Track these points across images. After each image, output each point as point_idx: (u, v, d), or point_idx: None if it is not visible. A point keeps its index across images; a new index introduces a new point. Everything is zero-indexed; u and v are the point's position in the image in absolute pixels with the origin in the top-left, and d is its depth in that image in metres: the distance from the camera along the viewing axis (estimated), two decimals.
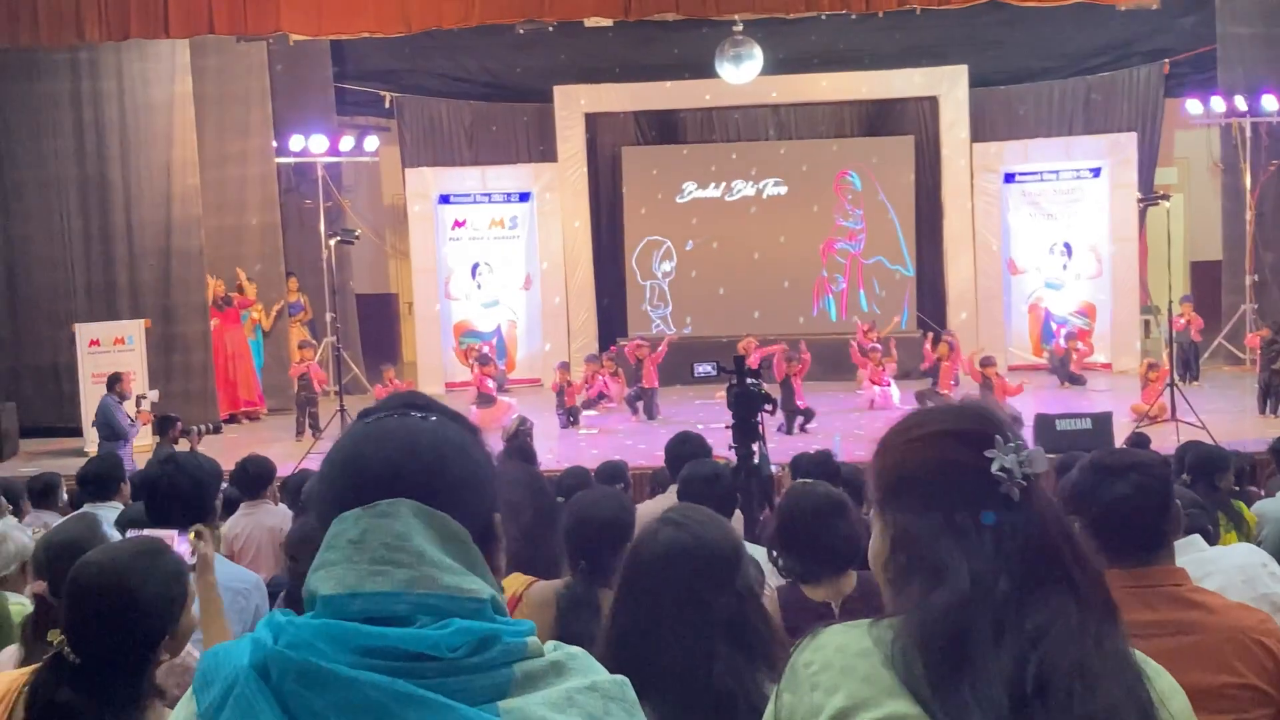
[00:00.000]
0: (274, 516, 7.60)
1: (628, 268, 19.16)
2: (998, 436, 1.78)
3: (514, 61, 18.86)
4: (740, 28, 16.06)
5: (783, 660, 2.44)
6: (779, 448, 11.57)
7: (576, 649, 1.64)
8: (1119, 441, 10.85)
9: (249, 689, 1.51)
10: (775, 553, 4.16)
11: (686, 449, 6.60)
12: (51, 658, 2.74)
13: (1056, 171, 18.34)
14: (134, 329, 15.01)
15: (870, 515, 1.96)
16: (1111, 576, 2.83)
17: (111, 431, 13.13)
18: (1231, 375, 16.67)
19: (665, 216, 19.06)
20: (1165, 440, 11.15)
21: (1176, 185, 18.50)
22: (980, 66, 18.27)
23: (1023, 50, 18.30)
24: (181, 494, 4.25)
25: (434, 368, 18.32)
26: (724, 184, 18.94)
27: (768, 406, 6.88)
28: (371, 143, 18.65)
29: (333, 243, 15.52)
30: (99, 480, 7.02)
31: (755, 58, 16.26)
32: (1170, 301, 14.32)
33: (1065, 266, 18.36)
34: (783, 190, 18.88)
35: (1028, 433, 8.71)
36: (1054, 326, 18.15)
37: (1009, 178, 18.47)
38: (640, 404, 15.76)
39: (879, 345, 16.10)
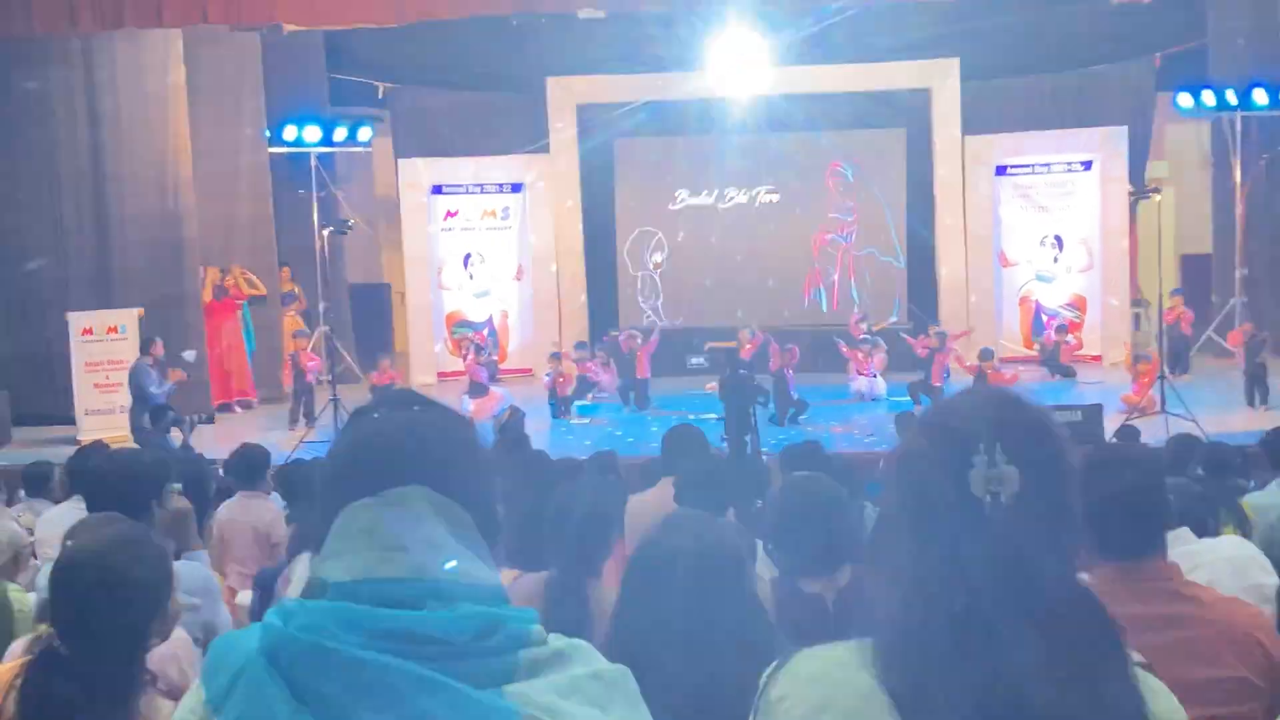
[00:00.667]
0: (267, 511, 7.59)
1: (619, 258, 19.15)
2: (981, 445, 1.65)
3: (506, 52, 18.80)
4: (734, 19, 16.04)
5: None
6: (770, 439, 11.58)
7: (580, 640, 1.66)
8: (1109, 433, 10.87)
9: (258, 673, 1.53)
10: (770, 545, 4.16)
11: (684, 441, 6.60)
12: (42, 650, 2.73)
13: (1048, 164, 18.36)
14: (128, 318, 14.98)
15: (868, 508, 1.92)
16: (1104, 571, 2.86)
17: (141, 393, 13.41)
18: (1220, 368, 16.69)
19: (657, 207, 19.04)
20: (1155, 433, 11.17)
21: (1167, 179, 18.51)
22: (972, 59, 18.25)
23: (1015, 43, 18.28)
24: (114, 490, 4.14)
25: (426, 358, 18.31)
26: (715, 182, 18.89)
27: (760, 398, 6.88)
28: (364, 133, 18.60)
29: (326, 233, 15.51)
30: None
31: (748, 50, 16.24)
32: (1160, 294, 14.34)
33: (1056, 259, 18.39)
34: (773, 188, 18.84)
35: None
36: (1044, 319, 18.17)
37: (1000, 170, 18.48)
38: (632, 394, 15.77)
39: (869, 337, 16.11)
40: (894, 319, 18.31)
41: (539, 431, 14.18)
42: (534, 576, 4.09)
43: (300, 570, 4.67)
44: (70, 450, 8.09)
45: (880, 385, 15.66)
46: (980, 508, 1.62)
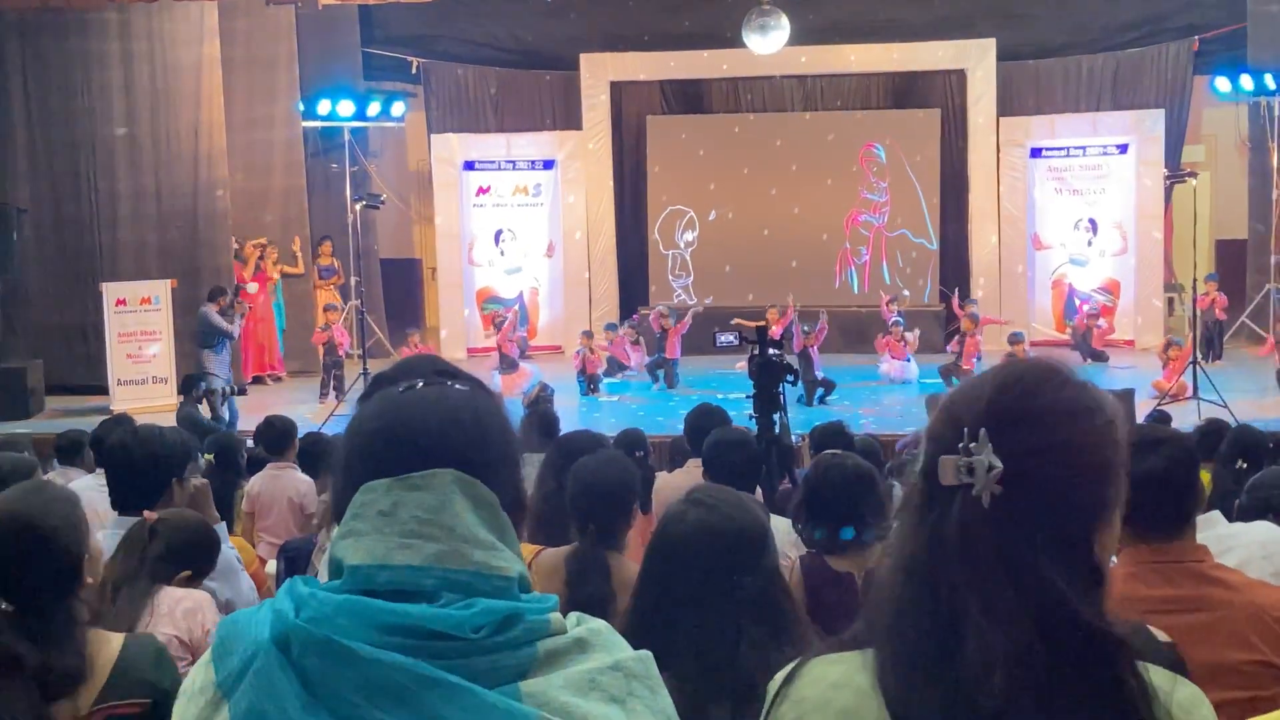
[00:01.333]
0: (298, 483, 7.65)
1: (650, 237, 19.14)
2: (966, 432, 1.54)
3: (541, 28, 18.80)
4: None
5: (807, 640, 2.43)
6: (798, 419, 11.57)
7: (600, 623, 1.62)
8: (1140, 418, 10.81)
9: (270, 663, 1.50)
10: (800, 523, 4.16)
11: (707, 420, 6.59)
12: None
13: (1083, 147, 18.23)
14: (160, 289, 15.07)
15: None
16: (1135, 552, 2.86)
17: (213, 332, 14.11)
18: (1254, 354, 16.58)
19: (689, 186, 19.01)
20: (1187, 418, 11.10)
21: (1203, 163, 18.36)
22: (1009, 40, 18.14)
23: (1052, 24, 18.17)
24: (135, 467, 4.15)
25: (457, 333, 18.36)
26: (748, 160, 18.84)
27: (790, 377, 6.87)
28: (398, 108, 18.65)
29: (358, 207, 15.56)
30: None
31: (782, 28, 16.18)
32: (1195, 280, 14.24)
33: (1090, 243, 18.28)
34: (806, 169, 18.77)
35: None
36: (1077, 303, 18.07)
37: (1035, 153, 18.37)
38: (661, 372, 15.78)
39: (900, 319, 16.06)
40: (925, 300, 18.25)
41: (567, 408, 14.21)
42: (555, 551, 4.10)
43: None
44: (101, 419, 8.15)
45: (912, 368, 15.61)
46: (968, 498, 1.52)
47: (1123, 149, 18.03)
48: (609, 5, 17.65)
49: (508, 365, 15.53)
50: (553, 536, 4.36)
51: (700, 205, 19.00)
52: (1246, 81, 17.29)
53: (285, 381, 16.91)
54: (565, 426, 8.67)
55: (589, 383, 15.55)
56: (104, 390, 14.70)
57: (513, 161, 18.94)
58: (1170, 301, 18.27)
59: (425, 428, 1.62)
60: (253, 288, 16.64)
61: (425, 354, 2.97)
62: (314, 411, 13.87)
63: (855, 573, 3.87)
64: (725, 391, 12.19)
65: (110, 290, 14.91)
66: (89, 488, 6.42)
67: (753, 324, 8.72)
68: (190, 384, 12.76)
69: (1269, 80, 17.10)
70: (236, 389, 13.65)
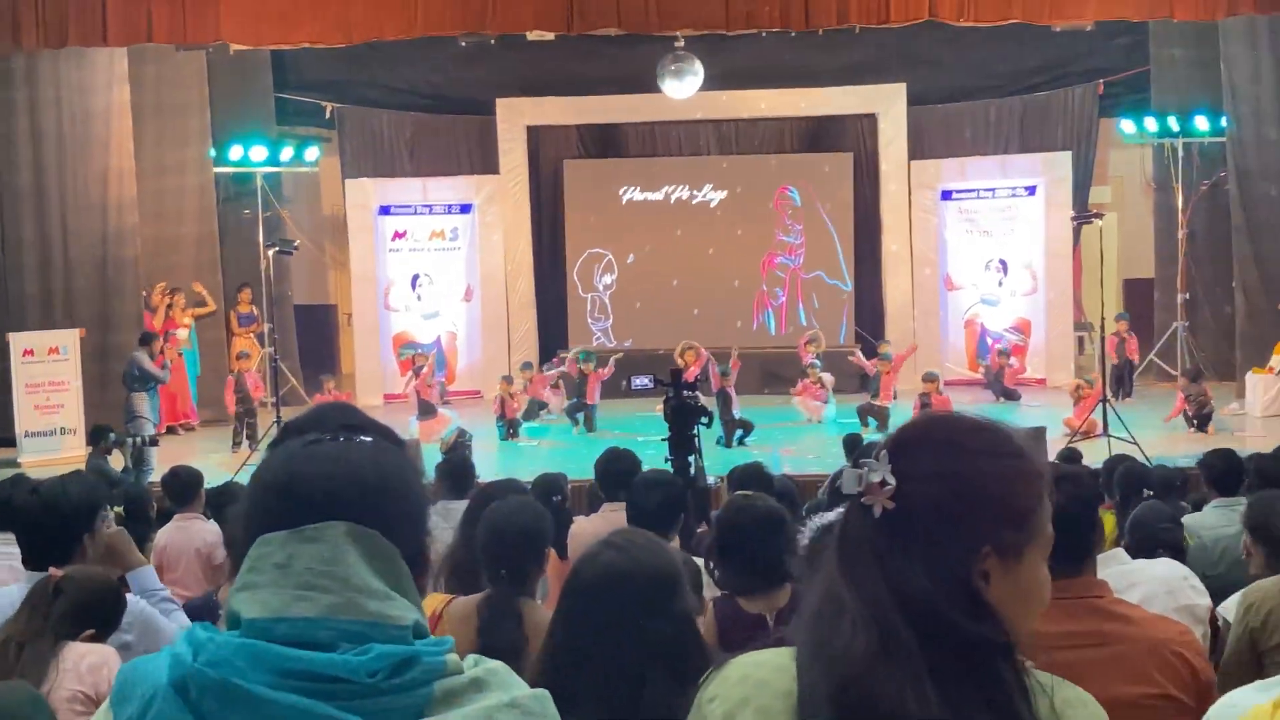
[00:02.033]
0: (205, 533, 7.55)
1: (569, 280, 19.17)
2: (882, 451, 1.71)
3: (456, 73, 18.84)
4: (681, 43, 16.13)
5: None
6: (718, 460, 11.61)
7: (497, 664, 1.64)
8: (1052, 456, 10.97)
9: (168, 706, 1.52)
10: (712, 565, 4.19)
11: (618, 465, 6.61)
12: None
13: (993, 189, 18.55)
14: (68, 338, 14.84)
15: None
16: None
17: (145, 377, 13.78)
18: (1164, 391, 16.89)
19: (607, 229, 19.09)
20: (1097, 455, 11.28)
21: (1110, 204, 18.74)
22: (918, 85, 18.46)
23: (960, 69, 18.50)
24: (41, 528, 4.08)
25: (373, 379, 18.24)
26: (664, 204, 18.98)
27: (704, 419, 6.91)
28: (312, 153, 18.57)
29: (271, 253, 15.43)
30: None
31: (696, 73, 16.34)
32: (1103, 318, 14.52)
33: (1001, 283, 18.56)
34: (721, 211, 18.94)
35: None
36: (989, 342, 18.33)
37: (946, 195, 18.67)
38: (581, 416, 15.78)
39: (817, 362, 16.20)
40: (841, 342, 18.44)
41: (487, 453, 14.18)
42: (467, 599, 4.09)
43: None
44: (9, 473, 8.00)
45: (829, 409, 15.75)
46: (863, 507, 1.67)
47: (1031, 190, 18.37)
48: (524, 51, 17.71)
49: (426, 411, 15.46)
50: (473, 584, 4.36)
51: (618, 248, 19.09)
52: (1151, 124, 17.75)
53: (198, 431, 16.69)
54: (485, 471, 8.66)
55: (508, 427, 15.51)
56: (11, 442, 14.43)
57: (429, 206, 18.91)
58: (1080, 340, 18.59)
59: (323, 484, 1.63)
60: (183, 333, 16.46)
61: (337, 403, 2.97)
62: (227, 461, 13.72)
63: (767, 614, 3.90)
64: (645, 435, 12.20)
65: (17, 340, 14.65)
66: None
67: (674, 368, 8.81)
68: (99, 435, 12.57)
69: (1172, 122, 17.57)
70: (150, 439, 13.45)
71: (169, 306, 16.65)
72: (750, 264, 18.94)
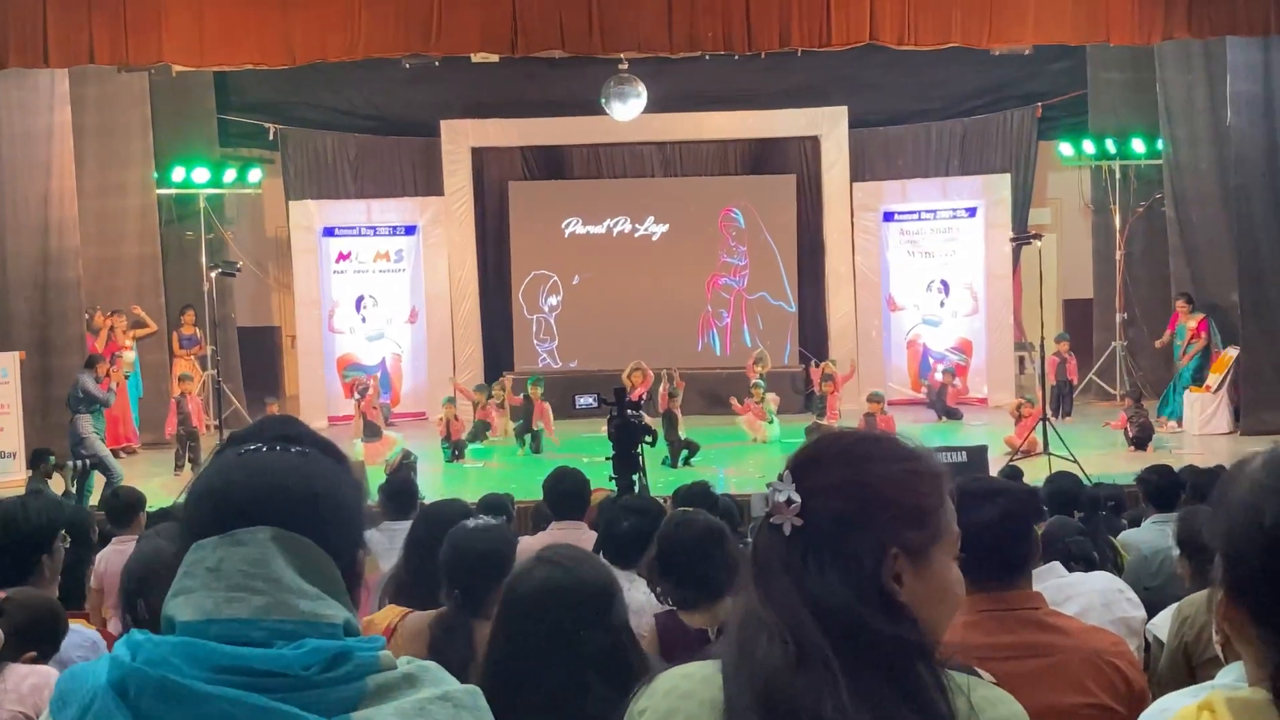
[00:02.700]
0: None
1: (514, 301, 19.17)
2: (785, 472, 1.79)
3: (400, 95, 18.82)
4: (626, 66, 16.21)
5: None
6: (662, 481, 11.64)
7: (429, 662, 1.69)
8: (994, 474, 11.08)
9: (107, 705, 1.55)
10: (654, 579, 4.21)
11: (566, 484, 6.63)
12: None
13: (934, 211, 18.74)
14: (8, 361, 14.66)
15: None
16: (972, 600, 2.95)
17: (89, 399, 13.64)
18: (1103, 410, 17.11)
19: (552, 251, 19.11)
20: (1038, 473, 11.40)
21: (1049, 225, 18.98)
22: (860, 108, 18.63)
23: (901, 93, 18.69)
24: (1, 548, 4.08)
25: (317, 401, 18.12)
26: (608, 221, 19.05)
27: (648, 438, 6.95)
28: (255, 175, 18.49)
29: (214, 275, 15.35)
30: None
31: (640, 95, 16.42)
32: (1043, 338, 14.68)
33: (942, 304, 18.74)
34: (666, 232, 19.02)
35: None
36: (931, 362, 18.49)
37: (888, 216, 18.83)
38: (528, 437, 15.77)
39: (761, 382, 16.28)
40: (785, 362, 18.54)
41: (433, 475, 14.15)
42: (421, 615, 4.11)
43: None
44: None
45: (774, 429, 15.83)
46: (772, 525, 1.74)
47: (971, 212, 18.56)
48: (468, 72, 17.72)
49: (371, 433, 15.40)
50: (421, 604, 4.36)
51: (563, 269, 19.10)
52: (1088, 147, 18.01)
53: (140, 454, 16.53)
54: (430, 493, 8.64)
55: (454, 449, 15.48)
56: None
57: (373, 227, 18.86)
58: (1021, 360, 18.79)
59: (249, 492, 1.68)
60: (128, 356, 16.32)
61: (279, 416, 2.94)
62: (170, 484, 13.60)
63: (709, 628, 3.93)
64: (591, 455, 12.22)
65: None
66: None
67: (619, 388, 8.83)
68: (39, 458, 12.44)
69: (1109, 145, 17.84)
70: (91, 463, 13.33)
71: (111, 329, 16.50)
72: (695, 285, 19.02)
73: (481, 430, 16.24)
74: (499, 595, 4.08)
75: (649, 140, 19.08)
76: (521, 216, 19.23)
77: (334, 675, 1.58)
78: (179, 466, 14.97)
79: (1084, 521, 6.84)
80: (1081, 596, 4.02)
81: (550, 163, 19.60)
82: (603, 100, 16.54)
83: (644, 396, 13.78)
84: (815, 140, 18.87)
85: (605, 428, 7.51)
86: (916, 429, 15.76)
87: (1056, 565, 4.19)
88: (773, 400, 16.09)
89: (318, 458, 1.76)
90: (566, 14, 13.62)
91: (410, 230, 18.90)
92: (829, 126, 18.66)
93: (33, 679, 3.50)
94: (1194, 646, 4.18)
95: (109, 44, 13.62)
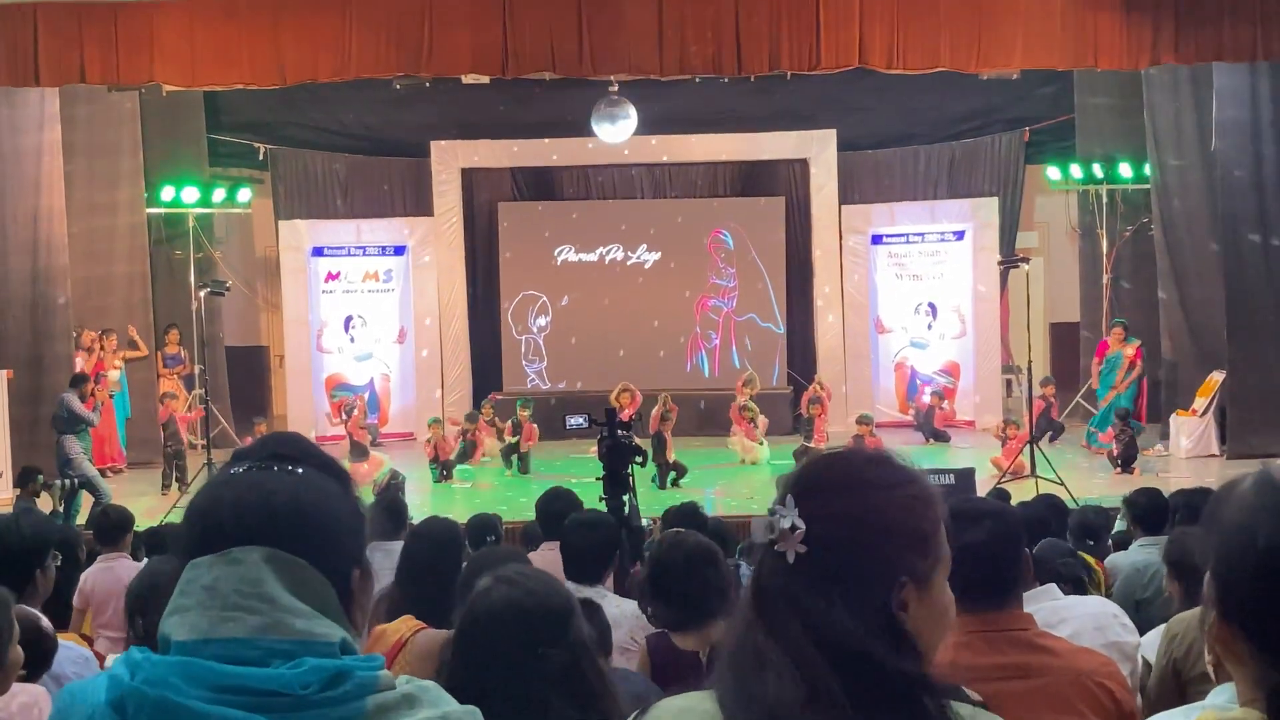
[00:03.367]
0: (131, 571, 7.44)
1: (503, 322, 19.18)
2: (787, 497, 1.74)
3: (390, 116, 18.86)
4: (616, 88, 16.25)
5: (615, 711, 2.54)
6: (651, 503, 11.64)
7: (428, 682, 1.69)
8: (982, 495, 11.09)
9: None
10: (645, 600, 4.22)
11: (559, 504, 6.64)
12: None
13: (922, 234, 18.80)
14: None
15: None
16: (963, 622, 2.96)
17: (75, 421, 13.54)
18: (1088, 433, 17.12)
19: (541, 272, 19.13)
20: (1025, 496, 11.42)
21: (1037, 249, 19.06)
22: (849, 131, 18.71)
23: (890, 116, 18.77)
24: None
25: (304, 421, 18.08)
26: (599, 246, 19.07)
27: (638, 458, 6.95)
28: (244, 194, 18.49)
29: (202, 294, 15.33)
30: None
31: (630, 117, 16.46)
32: (1030, 361, 14.72)
33: (930, 326, 18.79)
34: (655, 254, 19.06)
35: None
36: (919, 384, 18.52)
37: (876, 239, 18.88)
38: (515, 458, 15.76)
39: (751, 404, 16.29)
40: (774, 383, 18.57)
41: (421, 495, 14.13)
42: (434, 634, 4.13)
43: None
44: None
45: (764, 451, 15.84)
46: (775, 553, 1.70)
47: (959, 235, 18.63)
48: (459, 93, 17.79)
49: (359, 453, 15.38)
50: (433, 618, 4.39)
51: (552, 290, 19.12)
52: (1076, 171, 18.09)
53: (126, 473, 16.47)
54: (419, 514, 8.63)
55: (441, 469, 15.46)
56: None
57: (363, 247, 18.87)
58: (1008, 383, 18.84)
59: (234, 510, 1.68)
60: (114, 375, 16.27)
61: (281, 433, 2.91)
62: (157, 504, 13.56)
63: (700, 651, 3.93)
64: (579, 476, 12.22)
65: None
66: None
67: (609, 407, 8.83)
68: (27, 477, 12.40)
69: (1097, 169, 17.92)
70: (79, 482, 13.28)
71: (100, 348, 16.46)
72: (684, 307, 19.04)
73: (469, 451, 16.22)
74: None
75: (639, 162, 19.15)
76: (511, 237, 19.25)
77: (333, 695, 1.58)
78: (165, 486, 14.94)
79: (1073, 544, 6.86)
80: (1075, 620, 4.03)
81: (540, 184, 19.64)
82: (593, 122, 16.58)
83: (633, 417, 13.78)
84: (804, 163, 18.94)
85: (595, 448, 7.49)
86: (904, 451, 15.75)
87: (1052, 588, 4.19)
88: (762, 423, 16.11)
89: (312, 477, 1.75)
90: (557, 36, 13.67)
91: (399, 250, 18.91)
92: (818, 149, 18.73)
93: (22, 697, 3.50)
94: (1183, 663, 4.19)
95: (100, 63, 13.63)
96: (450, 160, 18.85)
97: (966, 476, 12.38)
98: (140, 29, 13.57)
